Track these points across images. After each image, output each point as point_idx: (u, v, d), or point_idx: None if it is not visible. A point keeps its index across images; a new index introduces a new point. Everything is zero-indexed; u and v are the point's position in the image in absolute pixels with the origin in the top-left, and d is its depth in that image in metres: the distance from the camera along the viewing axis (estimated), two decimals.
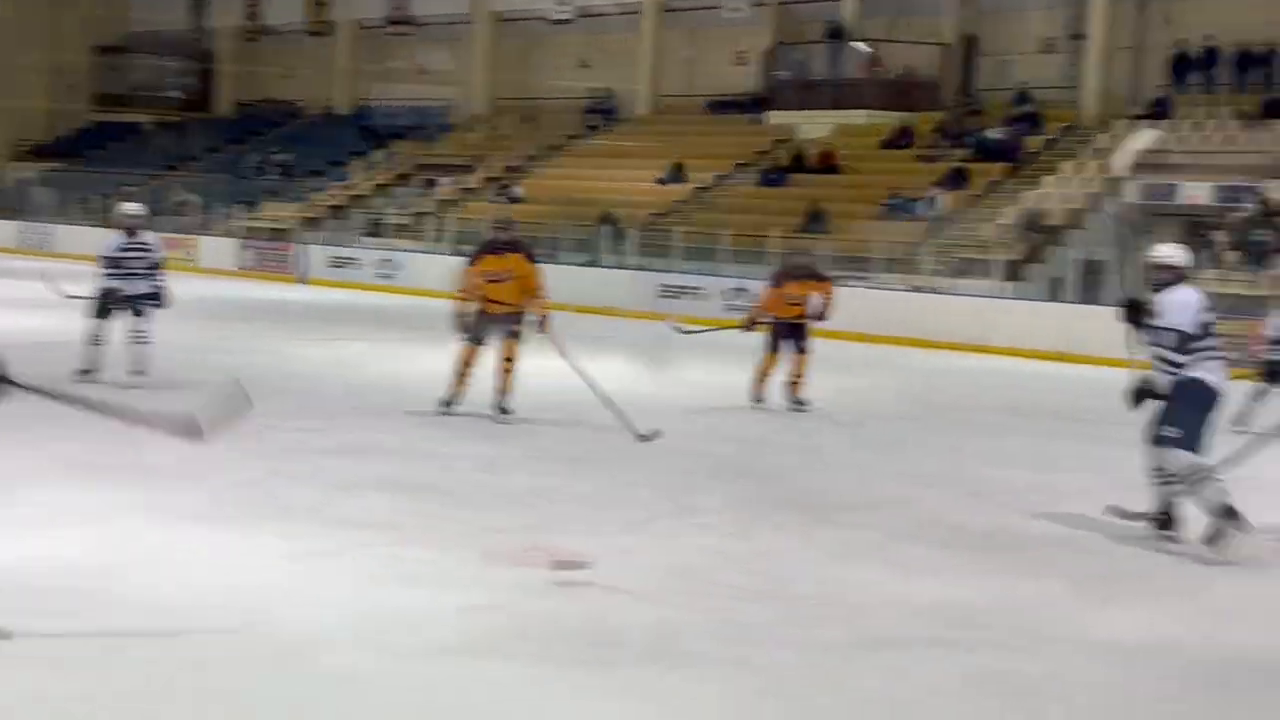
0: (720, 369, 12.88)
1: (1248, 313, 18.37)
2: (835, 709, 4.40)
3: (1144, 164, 23.44)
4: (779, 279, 12.01)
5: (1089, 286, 20.27)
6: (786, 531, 6.86)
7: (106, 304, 10.91)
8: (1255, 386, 11.64)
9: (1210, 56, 24.67)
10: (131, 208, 11.65)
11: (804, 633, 5.10)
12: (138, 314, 10.93)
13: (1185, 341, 6.82)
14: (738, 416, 11.02)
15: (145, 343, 10.91)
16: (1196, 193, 22.31)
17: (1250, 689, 4.84)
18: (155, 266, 11.17)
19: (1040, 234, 22.32)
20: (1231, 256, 19.97)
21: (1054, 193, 23.34)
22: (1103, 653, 5.04)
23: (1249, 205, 20.83)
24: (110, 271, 11.00)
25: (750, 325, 12.05)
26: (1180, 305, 6.89)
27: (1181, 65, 24.90)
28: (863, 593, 5.74)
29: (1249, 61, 24.25)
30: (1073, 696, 4.60)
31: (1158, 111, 24.37)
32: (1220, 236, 20.31)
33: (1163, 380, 6.87)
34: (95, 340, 10.81)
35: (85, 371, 10.59)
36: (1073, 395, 14.18)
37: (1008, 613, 5.57)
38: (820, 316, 11.75)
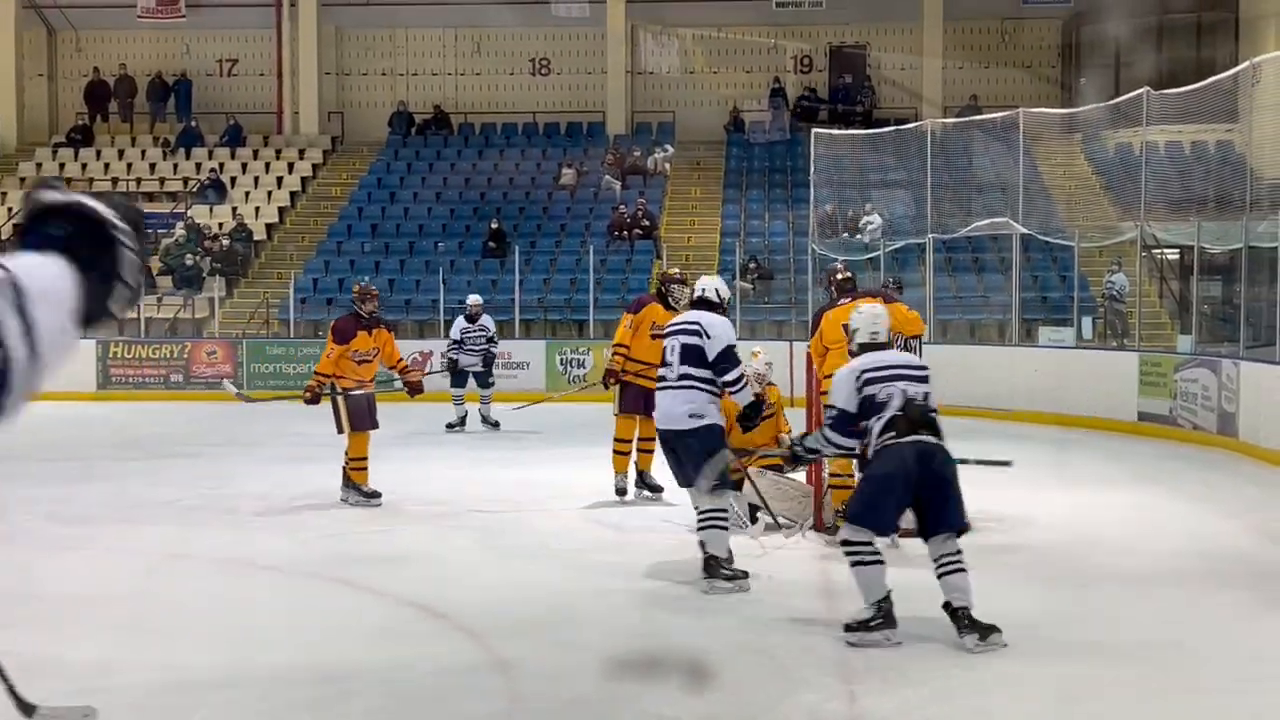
0: None
1: (188, 336, 19.15)
2: None
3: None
4: None
5: None
6: None
7: None
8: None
9: (127, 85, 25.16)
10: None
11: None
12: None
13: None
14: None
15: None
16: None
17: None
18: None
19: None
20: (165, 281, 20.52)
21: None
22: None
23: (177, 230, 21.56)
24: None
25: None
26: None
27: (99, 93, 25.10)
28: None
29: (164, 91, 25.11)
30: None
31: (80, 139, 24.38)
32: (153, 263, 20.76)
33: None
34: None
35: None
36: None
37: None
38: None
